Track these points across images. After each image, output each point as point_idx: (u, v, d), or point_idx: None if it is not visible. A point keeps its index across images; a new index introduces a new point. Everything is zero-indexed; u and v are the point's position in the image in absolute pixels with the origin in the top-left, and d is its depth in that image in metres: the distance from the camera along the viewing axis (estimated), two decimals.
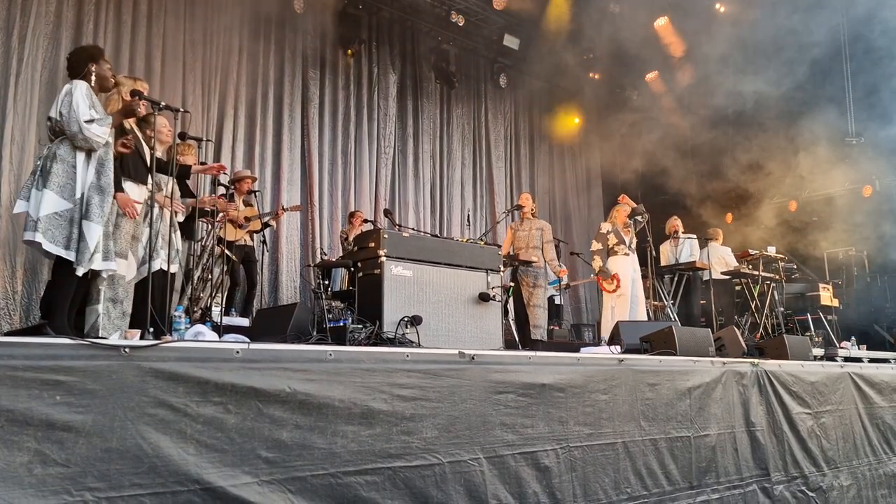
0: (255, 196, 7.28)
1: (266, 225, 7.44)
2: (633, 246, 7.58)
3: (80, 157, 3.64)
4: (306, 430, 2.71)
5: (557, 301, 10.14)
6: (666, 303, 8.15)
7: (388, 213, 7.60)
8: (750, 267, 8.32)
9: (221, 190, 6.53)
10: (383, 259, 4.71)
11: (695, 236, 8.63)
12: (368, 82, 9.98)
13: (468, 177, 11.08)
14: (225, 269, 6.14)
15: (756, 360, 5.05)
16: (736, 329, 6.06)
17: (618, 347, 5.00)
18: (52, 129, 3.71)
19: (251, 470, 2.54)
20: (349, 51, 9.59)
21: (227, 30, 8.52)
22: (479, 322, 5.14)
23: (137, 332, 3.44)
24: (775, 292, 8.51)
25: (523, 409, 3.47)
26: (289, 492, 2.61)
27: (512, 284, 6.93)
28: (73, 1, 7.27)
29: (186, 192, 5.70)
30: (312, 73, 9.34)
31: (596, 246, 7.59)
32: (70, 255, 3.54)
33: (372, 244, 4.85)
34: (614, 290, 7.35)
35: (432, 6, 10.16)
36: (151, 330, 3.44)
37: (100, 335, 3.85)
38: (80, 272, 3.59)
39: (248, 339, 3.35)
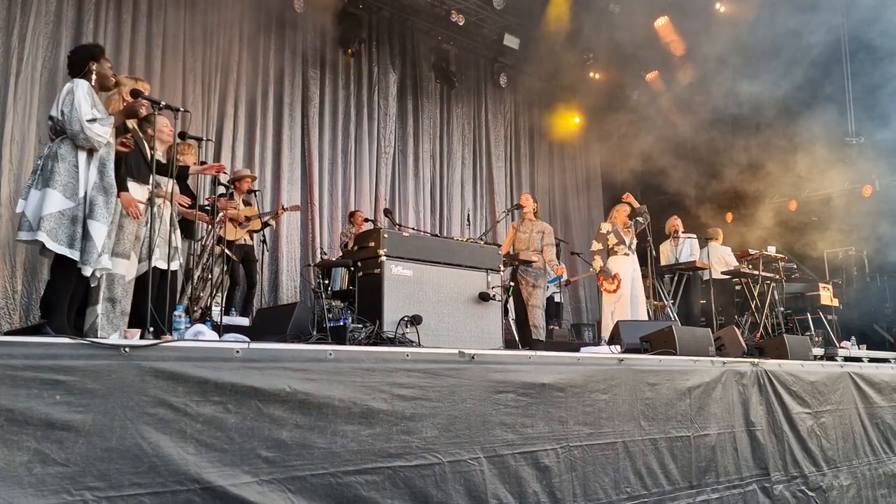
0: (255, 195, 7.27)
1: (266, 224, 7.44)
2: (633, 246, 7.58)
3: (82, 156, 3.64)
4: (306, 429, 2.71)
5: (557, 300, 10.16)
6: (666, 302, 8.15)
7: (388, 212, 7.60)
8: (750, 267, 8.32)
9: (221, 189, 6.53)
10: (383, 259, 4.72)
11: (695, 236, 8.63)
12: (368, 82, 9.98)
13: (468, 176, 11.08)
14: (225, 268, 6.14)
15: (756, 360, 5.05)
16: (736, 329, 6.06)
17: (618, 347, 5.00)
18: (52, 129, 3.70)
19: (251, 469, 2.54)
20: (349, 50, 9.59)
21: (227, 29, 8.52)
22: (479, 322, 5.15)
23: (137, 332, 3.44)
24: (775, 292, 8.51)
25: (523, 409, 3.47)
26: (289, 491, 2.61)
27: (512, 284, 6.93)
28: (74, 0, 7.27)
29: (186, 193, 5.69)
30: (312, 73, 9.35)
31: (596, 246, 7.59)
32: (74, 255, 3.53)
33: (372, 244, 4.85)
34: (615, 291, 7.35)
35: (432, 6, 10.17)
36: (151, 329, 3.43)
37: (99, 335, 3.85)
38: (86, 272, 3.58)
39: (248, 339, 3.34)
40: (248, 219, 7.06)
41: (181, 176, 4.96)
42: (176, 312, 3.65)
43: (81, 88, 3.65)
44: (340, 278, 7.95)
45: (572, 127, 12.47)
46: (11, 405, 2.12)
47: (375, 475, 2.87)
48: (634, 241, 7.62)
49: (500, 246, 6.62)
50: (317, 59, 9.41)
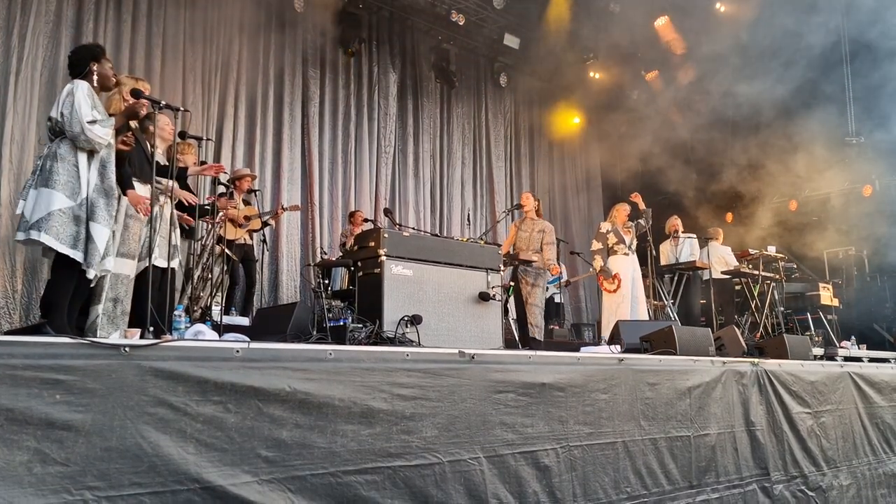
0: (255, 195, 7.27)
1: (265, 224, 7.45)
2: (633, 246, 7.58)
3: (82, 157, 3.63)
4: (306, 429, 2.71)
5: (557, 300, 10.15)
6: (666, 302, 8.15)
7: (388, 212, 7.60)
8: (750, 266, 8.32)
9: (221, 189, 6.52)
10: (383, 258, 4.72)
11: (695, 236, 8.63)
12: (369, 81, 9.98)
13: (468, 176, 11.08)
14: (225, 268, 6.14)
15: (756, 360, 5.05)
16: (736, 328, 6.06)
17: (618, 347, 5.00)
18: (52, 130, 3.70)
19: (251, 469, 2.54)
20: (349, 50, 9.58)
21: (227, 28, 8.52)
22: (479, 321, 5.15)
23: (137, 332, 3.44)
24: (775, 292, 8.52)
25: (523, 409, 3.48)
26: (288, 491, 2.61)
27: (512, 284, 6.93)
28: None
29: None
30: (313, 72, 9.34)
31: (596, 245, 7.59)
32: (76, 255, 3.52)
33: (372, 243, 4.85)
34: (615, 290, 7.35)
35: (433, 5, 10.17)
36: (151, 329, 3.43)
37: (98, 334, 3.85)
38: (90, 275, 3.57)
39: (247, 339, 3.34)
40: (247, 218, 7.06)
41: (179, 177, 4.96)
42: (176, 312, 3.65)
43: (81, 90, 3.64)
44: (340, 278, 7.95)
45: (572, 127, 12.48)
46: (11, 405, 2.12)
47: (375, 475, 2.87)
48: (634, 242, 7.62)
49: (500, 246, 6.62)
50: (317, 59, 9.41)
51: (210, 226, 6.09)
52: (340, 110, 9.63)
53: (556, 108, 12.27)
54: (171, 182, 4.43)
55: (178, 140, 4.29)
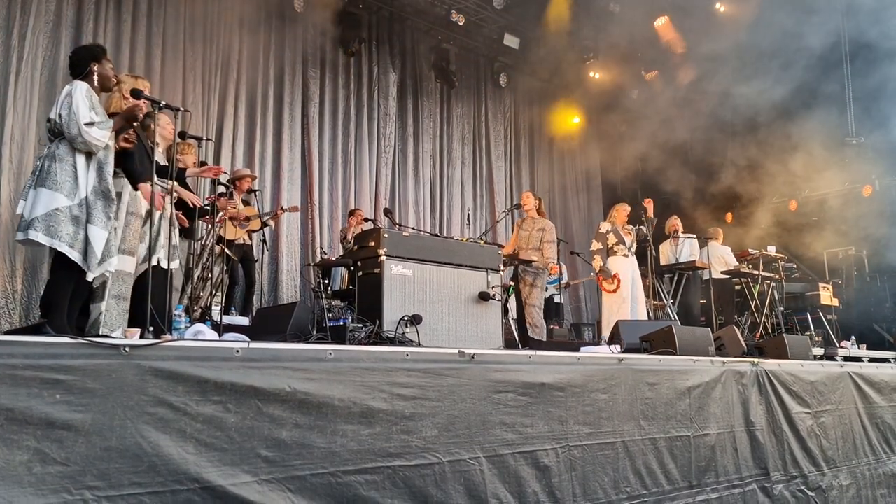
0: (255, 195, 7.28)
1: (265, 224, 7.45)
2: (633, 249, 7.56)
3: (80, 158, 3.62)
4: (306, 429, 2.71)
5: (557, 300, 10.15)
6: (666, 302, 8.15)
7: (388, 212, 7.60)
8: (750, 266, 8.33)
9: (221, 189, 6.53)
10: (383, 258, 4.71)
11: (695, 236, 8.64)
12: (368, 81, 9.98)
13: (468, 176, 11.08)
14: (224, 268, 6.14)
15: (756, 360, 5.05)
16: (735, 328, 6.06)
17: (617, 347, 5.00)
18: (51, 130, 3.70)
19: (251, 469, 2.54)
20: (349, 50, 9.58)
21: (227, 28, 8.52)
22: (479, 321, 5.15)
23: (137, 331, 3.44)
24: (775, 292, 8.52)
25: (523, 409, 3.48)
26: (288, 491, 2.61)
27: (512, 284, 6.93)
28: None
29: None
30: (313, 72, 9.35)
31: (596, 246, 7.58)
32: (73, 255, 3.52)
33: (372, 243, 4.85)
34: (615, 291, 7.34)
35: (432, 5, 10.16)
36: (151, 329, 3.43)
37: (101, 332, 3.85)
38: (90, 277, 3.57)
39: (247, 339, 3.34)
40: (247, 219, 7.06)
41: (178, 178, 4.96)
42: (176, 312, 3.65)
43: (80, 91, 3.64)
44: (340, 278, 7.96)
45: (572, 126, 12.48)
46: (11, 404, 2.12)
47: (375, 475, 2.87)
48: (634, 245, 7.61)
49: (500, 246, 6.62)
50: (317, 59, 9.41)
51: (210, 226, 6.09)
52: (340, 110, 9.63)
53: (555, 108, 12.27)
54: (170, 184, 4.43)
55: (178, 140, 4.28)
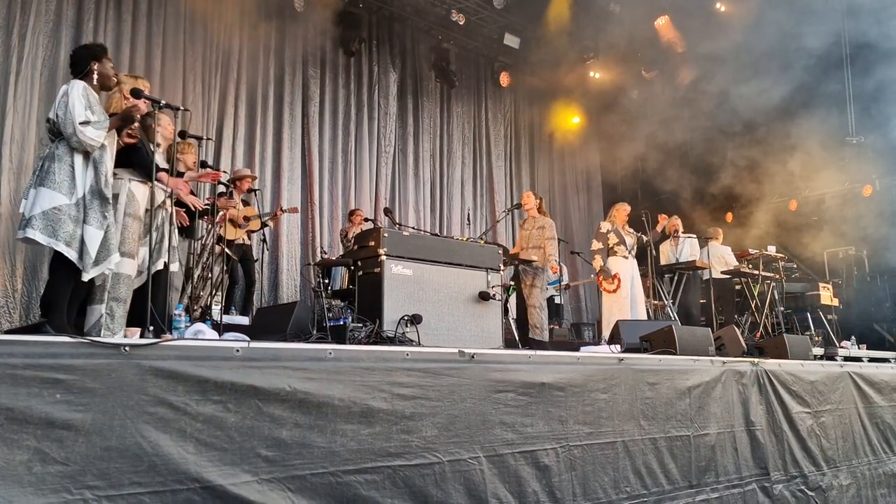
0: (255, 194, 7.28)
1: (264, 225, 7.45)
2: (634, 251, 7.54)
3: (79, 157, 3.63)
4: (306, 428, 2.71)
5: (557, 300, 10.15)
6: (666, 302, 8.15)
7: (388, 211, 7.61)
8: (750, 266, 8.33)
9: (221, 188, 6.53)
10: (383, 258, 4.71)
11: (695, 235, 8.64)
12: (369, 81, 9.98)
13: (468, 176, 11.08)
14: (224, 267, 6.14)
15: (756, 360, 5.05)
16: (736, 328, 6.06)
17: (618, 347, 5.00)
18: (51, 130, 3.70)
19: (251, 468, 2.54)
20: (349, 49, 9.58)
21: (227, 28, 8.52)
22: (479, 321, 5.15)
23: (137, 331, 3.44)
24: (775, 291, 8.52)
25: (523, 408, 3.47)
26: (288, 490, 2.61)
27: (512, 284, 6.93)
28: None
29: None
30: (313, 72, 9.35)
31: (596, 245, 7.56)
32: (69, 253, 3.52)
33: (372, 243, 4.85)
34: (614, 291, 7.33)
35: (433, 5, 10.16)
36: (151, 328, 3.43)
37: (103, 335, 3.84)
38: (85, 277, 3.57)
39: (247, 338, 3.34)
40: (247, 219, 7.07)
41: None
42: (176, 311, 3.66)
43: (76, 90, 3.64)
44: (340, 277, 7.95)
45: (572, 126, 12.47)
46: (11, 404, 2.12)
47: (375, 474, 2.87)
48: (635, 248, 7.60)
49: (500, 245, 6.62)
50: (317, 58, 9.41)
51: (210, 225, 6.09)
52: (340, 110, 9.63)
53: (555, 108, 12.26)
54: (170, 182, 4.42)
55: (179, 139, 4.28)
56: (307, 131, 9.20)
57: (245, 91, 8.67)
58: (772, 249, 8.55)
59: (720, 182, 10.82)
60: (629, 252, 7.48)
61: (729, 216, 11.13)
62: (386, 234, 4.83)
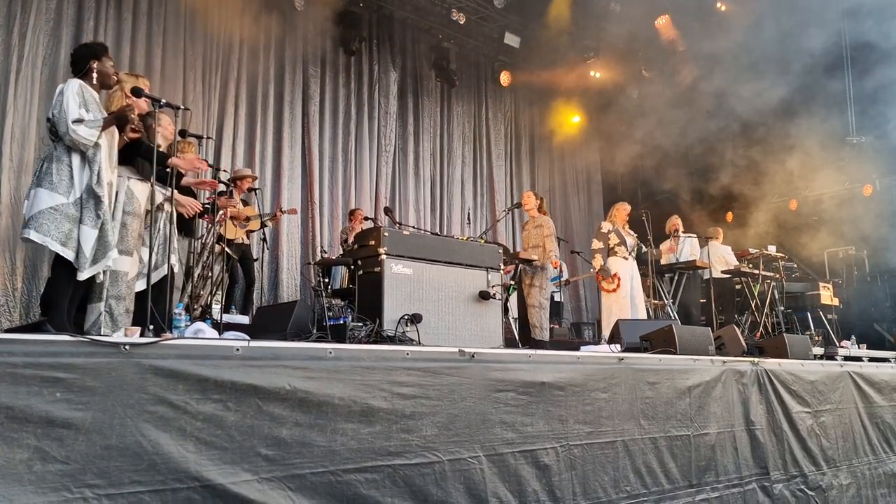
0: (255, 193, 7.28)
1: (263, 224, 7.46)
2: (634, 252, 7.53)
3: (77, 157, 3.63)
4: (306, 427, 2.71)
5: (557, 299, 10.16)
6: (666, 301, 8.15)
7: (388, 211, 7.60)
8: (750, 266, 8.32)
9: (222, 187, 6.52)
10: (383, 257, 4.71)
11: (695, 235, 8.63)
12: (369, 80, 9.98)
13: (468, 175, 11.08)
14: (225, 266, 6.14)
15: (756, 359, 5.05)
16: (736, 328, 6.06)
17: (618, 346, 4.99)
18: (51, 130, 3.71)
19: (251, 467, 2.54)
20: (350, 48, 9.58)
21: (227, 27, 8.52)
22: (480, 320, 5.14)
23: (137, 330, 3.44)
24: (775, 291, 8.51)
25: (523, 408, 3.47)
26: (288, 489, 2.61)
27: (512, 283, 6.93)
28: None
29: (188, 194, 5.68)
30: (313, 71, 9.35)
31: (597, 245, 7.56)
32: (65, 252, 3.53)
33: (372, 242, 4.85)
34: (614, 290, 7.32)
35: (433, 4, 10.16)
36: (151, 327, 3.43)
37: (102, 333, 3.84)
38: (80, 277, 3.57)
39: (247, 337, 3.34)
40: (247, 219, 7.07)
41: (177, 184, 4.95)
42: (176, 310, 3.65)
43: (71, 89, 3.65)
44: (340, 277, 7.96)
45: (572, 125, 12.47)
46: (11, 403, 2.12)
47: (375, 473, 2.87)
48: (636, 249, 7.59)
49: (500, 245, 6.62)
50: (317, 58, 9.41)
51: (210, 224, 6.09)
52: (341, 109, 9.63)
53: (556, 107, 12.26)
54: (171, 182, 4.42)
55: (179, 138, 4.28)
56: (307, 130, 9.20)
57: (245, 90, 8.67)
58: (772, 249, 8.54)
59: (720, 182, 10.81)
60: (629, 253, 7.48)
61: (729, 216, 11.12)
62: (386, 234, 4.82)
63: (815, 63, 9.13)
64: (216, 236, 6.07)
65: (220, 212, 6.00)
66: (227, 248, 6.08)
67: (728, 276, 8.41)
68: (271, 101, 8.91)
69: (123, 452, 2.29)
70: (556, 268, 7.39)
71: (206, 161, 5.37)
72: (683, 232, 8.59)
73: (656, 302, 8.16)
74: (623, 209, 7.73)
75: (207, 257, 6.14)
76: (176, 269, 4.50)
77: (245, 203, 7.20)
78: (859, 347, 7.52)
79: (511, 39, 10.76)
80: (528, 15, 10.59)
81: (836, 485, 5.29)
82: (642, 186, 12.29)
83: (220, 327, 4.40)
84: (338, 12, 9.36)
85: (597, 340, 7.95)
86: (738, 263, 8.40)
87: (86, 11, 7.31)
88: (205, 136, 5.30)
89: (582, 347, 5.62)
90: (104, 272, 3.82)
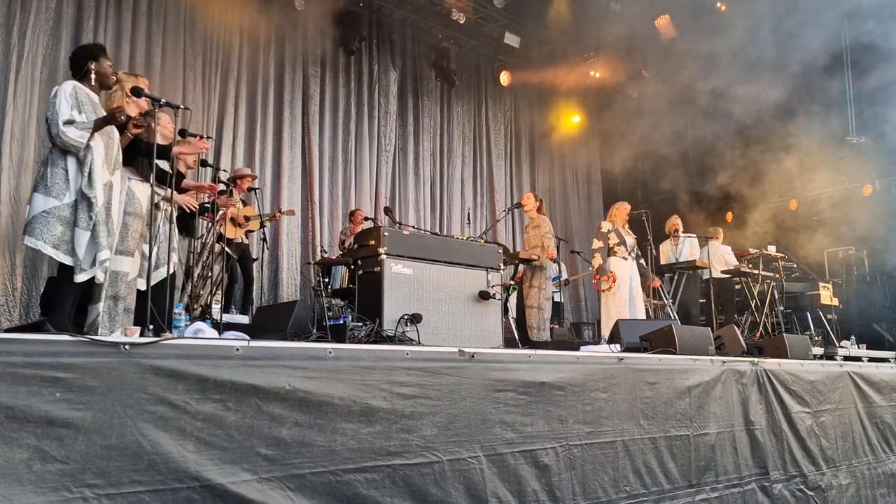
0: (255, 193, 7.28)
1: (262, 224, 7.46)
2: (634, 253, 7.52)
3: (72, 160, 3.63)
4: (306, 427, 2.71)
5: (557, 298, 10.16)
6: (666, 301, 8.15)
7: (388, 210, 7.59)
8: (750, 266, 8.32)
9: (222, 187, 6.53)
10: (383, 257, 4.71)
11: (695, 235, 8.63)
12: (369, 80, 9.98)
13: (468, 175, 11.08)
14: (224, 266, 6.14)
15: (755, 359, 5.05)
16: (735, 328, 6.06)
17: (617, 346, 4.99)
18: (49, 131, 3.72)
19: (251, 467, 2.54)
20: (350, 48, 9.58)
21: (227, 26, 8.52)
22: (479, 320, 5.15)
23: (137, 329, 3.44)
24: (775, 291, 8.52)
25: (523, 408, 3.47)
26: (288, 489, 2.61)
27: (512, 283, 6.93)
28: None
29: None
30: (313, 71, 9.34)
31: (596, 244, 7.56)
32: (57, 255, 3.53)
33: (372, 242, 4.85)
34: (609, 289, 7.32)
35: (433, 4, 10.17)
36: (151, 327, 3.43)
37: (100, 333, 3.84)
38: (77, 279, 3.57)
39: (247, 337, 3.34)
40: (247, 219, 7.07)
41: (177, 186, 4.95)
42: (176, 310, 3.65)
43: (63, 91, 3.66)
44: (340, 276, 7.96)
45: (572, 125, 12.47)
46: (11, 402, 2.12)
47: (375, 473, 2.87)
48: (635, 250, 7.58)
49: (500, 245, 6.62)
50: (317, 57, 9.41)
51: (210, 224, 6.10)
52: (341, 109, 9.63)
53: (556, 107, 12.26)
54: (170, 181, 4.42)
55: (179, 138, 4.28)
56: (307, 130, 9.20)
57: (245, 90, 8.67)
58: (772, 249, 8.55)
59: (720, 182, 10.81)
60: (629, 253, 7.47)
61: (729, 216, 11.12)
62: (386, 233, 4.83)
63: (815, 63, 9.13)
64: (216, 236, 6.07)
65: (221, 211, 6.00)
66: (226, 248, 6.08)
67: (728, 276, 8.42)
68: (271, 100, 8.91)
69: (123, 452, 2.29)
70: (551, 258, 7.37)
71: (211, 165, 5.38)
72: (683, 232, 8.59)
73: (656, 302, 8.16)
74: (623, 209, 7.72)
75: (207, 257, 6.14)
76: (175, 269, 4.50)
77: (245, 203, 7.21)
78: (859, 347, 7.53)
79: (511, 39, 10.76)
80: (528, 15, 10.60)
81: (835, 485, 5.29)
82: (642, 186, 12.29)
83: (220, 327, 4.40)
84: (338, 12, 9.36)
85: (597, 340, 7.95)
86: (737, 263, 8.41)
87: (85, 11, 7.31)
88: (205, 136, 5.30)
89: (582, 347, 5.62)
90: (104, 272, 3.82)
